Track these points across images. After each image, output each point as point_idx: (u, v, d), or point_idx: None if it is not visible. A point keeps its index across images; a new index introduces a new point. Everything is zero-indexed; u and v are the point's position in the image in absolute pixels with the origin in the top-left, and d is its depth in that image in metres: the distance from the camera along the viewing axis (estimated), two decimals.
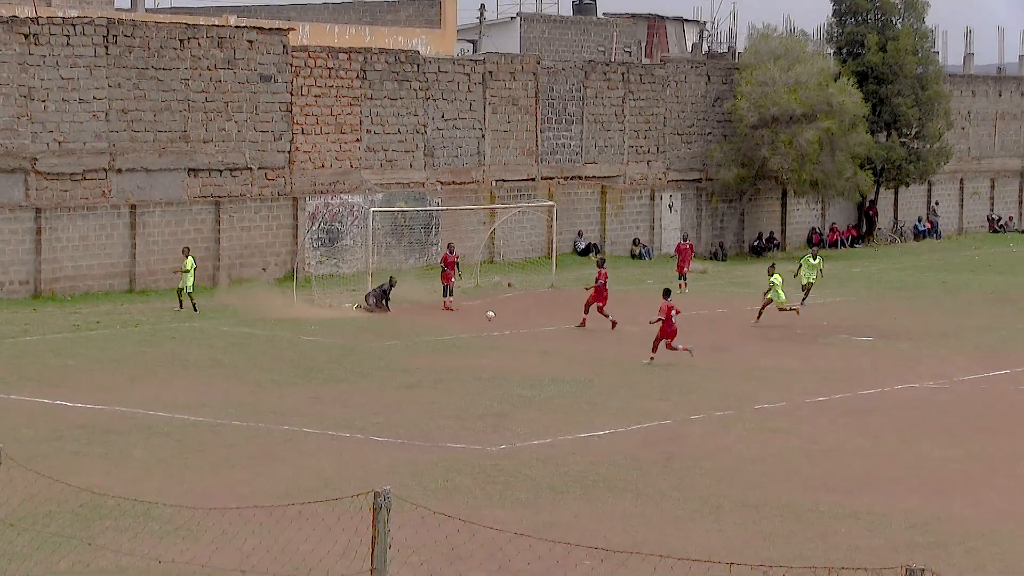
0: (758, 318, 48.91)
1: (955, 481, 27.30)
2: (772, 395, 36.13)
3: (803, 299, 52.74)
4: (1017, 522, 24.24)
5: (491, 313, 38.76)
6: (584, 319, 47.11)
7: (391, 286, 52.03)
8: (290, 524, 21.18)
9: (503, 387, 36.42)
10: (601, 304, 47.05)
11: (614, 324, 46.41)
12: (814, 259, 54.94)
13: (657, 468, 27.82)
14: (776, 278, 48.66)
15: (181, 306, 50.22)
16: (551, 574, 19.39)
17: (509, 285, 58.51)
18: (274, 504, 21.92)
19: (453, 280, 52.83)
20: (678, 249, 62.94)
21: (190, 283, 50.33)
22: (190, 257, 51.29)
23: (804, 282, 53.95)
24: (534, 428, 31.36)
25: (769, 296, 49.23)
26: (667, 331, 39.99)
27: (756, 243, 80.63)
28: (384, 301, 51.12)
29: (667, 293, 41.85)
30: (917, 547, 21.69)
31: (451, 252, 54.56)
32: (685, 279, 58.97)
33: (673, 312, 40.00)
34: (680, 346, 39.98)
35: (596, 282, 47.75)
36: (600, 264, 49.41)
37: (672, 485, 26.41)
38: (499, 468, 27.50)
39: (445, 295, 52.73)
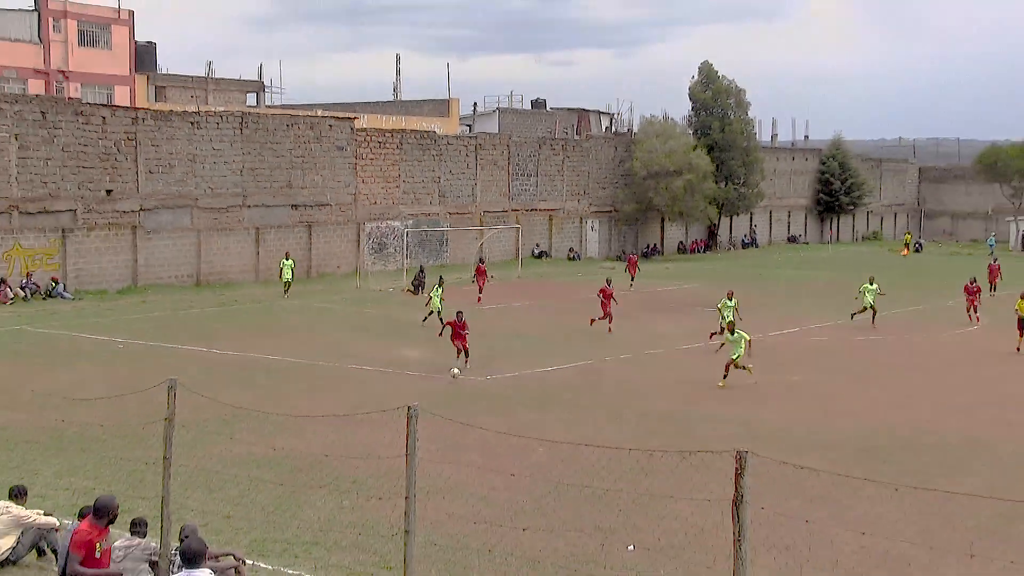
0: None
1: (767, 396, 27.46)
2: (655, 344, 36.31)
3: (853, 315, 41.23)
4: (804, 420, 24.46)
5: (455, 371, 29.39)
6: (594, 319, 39.51)
7: (422, 271, 52.84)
8: (357, 426, 21.23)
9: (489, 340, 36.51)
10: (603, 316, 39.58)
11: (591, 321, 39.49)
12: (872, 284, 40.88)
13: (586, 391, 27.95)
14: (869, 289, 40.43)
15: (286, 292, 49.61)
16: (518, 457, 19.48)
17: (492, 277, 58.42)
18: (346, 413, 22.00)
19: (484, 285, 49.37)
20: (629, 261, 57.35)
21: (289, 275, 49.92)
22: (291, 259, 51.22)
23: (864, 306, 40.76)
24: (509, 365, 31.49)
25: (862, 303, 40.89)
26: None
27: (645, 250, 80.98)
28: (418, 285, 51.20)
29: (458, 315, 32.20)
30: (743, 438, 21.79)
31: (482, 262, 53.34)
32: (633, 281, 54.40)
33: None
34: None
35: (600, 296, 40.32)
36: (607, 283, 41.28)
37: (595, 402, 26.54)
38: (486, 391, 27.61)
39: (479, 294, 48.55)
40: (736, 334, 29.06)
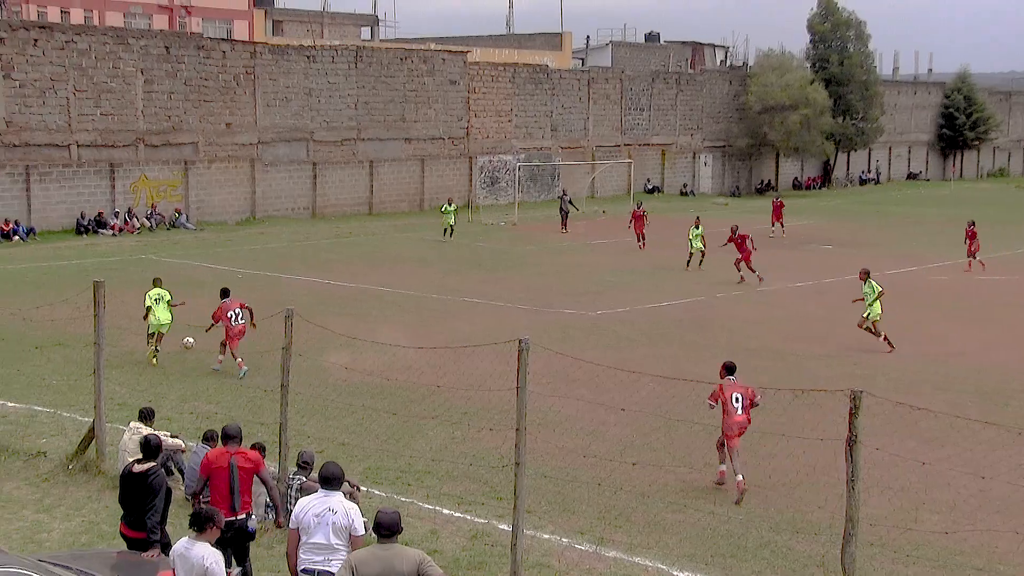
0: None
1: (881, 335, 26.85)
2: (768, 282, 35.75)
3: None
4: (919, 360, 23.89)
5: (189, 340, 22.73)
6: (742, 276, 35.54)
7: (565, 197, 50.94)
8: (468, 358, 21.40)
9: (598, 275, 36.44)
10: (742, 260, 35.51)
11: (760, 279, 35.32)
12: (698, 228, 37.74)
13: (694, 327, 27.73)
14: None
15: (445, 235, 46.00)
16: (627, 391, 19.44)
17: (604, 212, 58.18)
18: (459, 345, 22.16)
19: (644, 231, 43.53)
20: (773, 205, 50.23)
21: (452, 220, 46.28)
22: (453, 204, 47.60)
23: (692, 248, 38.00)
24: (618, 301, 31.37)
25: None
26: None
27: (759, 186, 79.69)
28: (565, 214, 49.87)
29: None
30: (856, 377, 21.45)
31: (639, 207, 44.71)
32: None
33: None
34: None
35: (729, 241, 35.94)
36: (734, 230, 35.87)
37: (702, 338, 26.31)
38: (596, 326, 27.57)
39: (639, 241, 43.64)
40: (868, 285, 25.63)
